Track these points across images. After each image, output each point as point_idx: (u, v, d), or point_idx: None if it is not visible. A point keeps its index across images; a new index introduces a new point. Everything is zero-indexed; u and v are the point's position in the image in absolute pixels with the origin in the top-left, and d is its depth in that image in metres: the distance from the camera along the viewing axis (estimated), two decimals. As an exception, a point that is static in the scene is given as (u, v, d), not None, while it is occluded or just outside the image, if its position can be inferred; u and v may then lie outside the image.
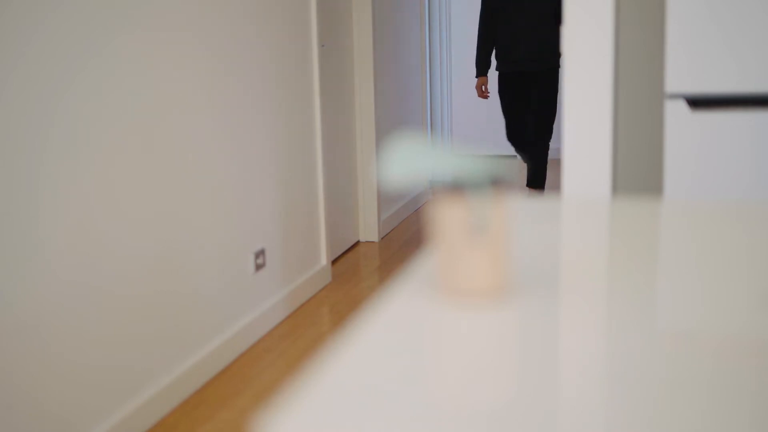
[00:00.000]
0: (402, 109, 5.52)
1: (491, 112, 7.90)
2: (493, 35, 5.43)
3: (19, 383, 2.09)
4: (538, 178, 5.64)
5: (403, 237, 5.05)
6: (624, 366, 0.72)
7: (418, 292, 0.96)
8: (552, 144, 7.79)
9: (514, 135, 5.56)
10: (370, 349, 0.79)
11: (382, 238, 5.00)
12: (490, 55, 5.51)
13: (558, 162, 7.48)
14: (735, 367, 0.72)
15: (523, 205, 1.42)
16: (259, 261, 3.41)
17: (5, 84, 2.03)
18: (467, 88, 7.91)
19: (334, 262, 4.50)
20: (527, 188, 5.75)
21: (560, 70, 5.06)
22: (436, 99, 6.63)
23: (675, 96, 2.21)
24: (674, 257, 1.08)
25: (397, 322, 0.86)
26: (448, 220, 0.90)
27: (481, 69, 5.54)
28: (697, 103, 2.20)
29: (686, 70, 2.19)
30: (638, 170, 2.55)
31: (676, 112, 2.21)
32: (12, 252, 2.06)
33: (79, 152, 2.29)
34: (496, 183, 0.91)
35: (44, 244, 2.17)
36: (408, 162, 0.92)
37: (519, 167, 6.89)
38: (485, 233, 0.90)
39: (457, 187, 0.92)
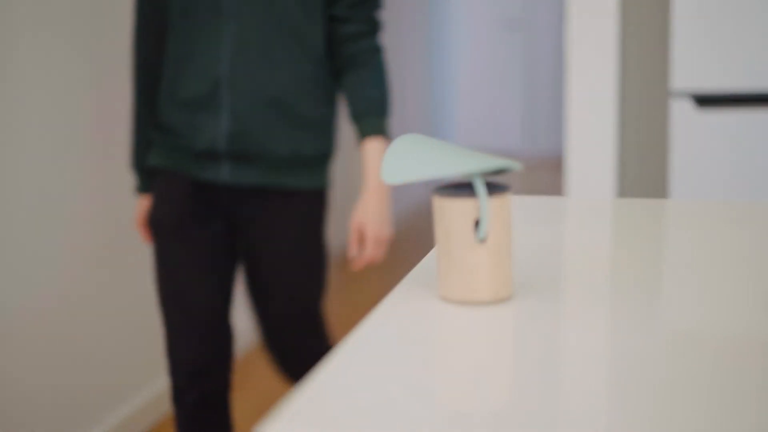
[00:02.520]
0: (404, 106, 5.52)
1: (495, 105, 7.91)
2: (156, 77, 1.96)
3: (16, 384, 2.09)
4: None
5: (404, 238, 5.05)
6: (625, 366, 0.72)
7: (419, 293, 0.95)
8: (553, 144, 7.77)
9: (177, 359, 1.87)
10: (370, 350, 0.78)
11: (384, 239, 5.00)
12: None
13: (558, 162, 7.48)
14: (735, 367, 0.71)
15: (525, 204, 1.41)
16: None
17: (8, 85, 2.03)
18: (471, 81, 7.92)
19: (334, 263, 4.50)
20: None
21: (326, 191, 1.94)
22: (440, 93, 6.63)
23: (680, 95, 2.19)
24: (677, 257, 1.07)
25: (397, 324, 0.85)
26: (450, 220, 0.89)
27: (140, 172, 1.99)
28: (704, 101, 2.18)
29: (692, 68, 2.18)
30: (643, 170, 2.54)
31: (682, 111, 2.20)
32: (10, 253, 2.06)
33: (76, 153, 2.29)
34: (499, 183, 0.90)
35: (41, 244, 2.16)
36: (408, 161, 0.90)
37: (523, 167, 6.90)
38: (487, 233, 0.89)
39: (458, 187, 0.90)
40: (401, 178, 0.89)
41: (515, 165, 0.89)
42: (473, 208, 0.88)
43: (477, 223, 0.89)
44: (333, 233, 4.49)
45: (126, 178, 2.51)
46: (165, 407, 2.72)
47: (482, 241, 0.88)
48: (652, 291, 0.94)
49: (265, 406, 2.78)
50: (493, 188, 0.89)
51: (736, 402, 0.66)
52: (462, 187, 0.90)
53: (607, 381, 0.70)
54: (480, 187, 0.87)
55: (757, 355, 0.75)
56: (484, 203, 0.87)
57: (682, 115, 2.19)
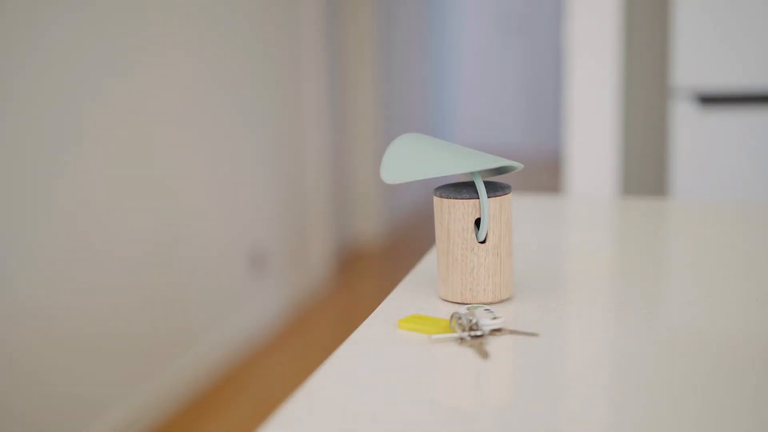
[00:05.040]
0: (405, 103, 5.52)
1: (496, 104, 7.90)
2: None
3: (12, 384, 2.08)
4: None
5: (405, 238, 5.05)
6: (626, 366, 0.71)
7: (419, 293, 0.95)
8: (553, 143, 7.79)
9: None
10: (370, 351, 0.78)
11: (383, 239, 5.00)
12: None
13: (556, 163, 7.47)
14: (735, 366, 0.71)
15: (525, 203, 1.40)
16: (258, 263, 3.40)
17: (10, 87, 2.02)
18: (472, 79, 7.91)
19: (334, 263, 4.49)
20: None
21: None
22: (441, 92, 6.62)
23: (683, 93, 2.19)
24: (677, 257, 1.07)
25: (398, 324, 0.85)
26: (450, 220, 0.89)
27: None
28: (706, 100, 2.18)
29: (694, 66, 2.17)
30: (644, 169, 2.53)
31: (684, 110, 2.19)
32: (8, 251, 2.05)
33: (74, 152, 2.28)
34: (500, 182, 0.89)
35: (38, 244, 2.16)
36: (408, 161, 0.90)
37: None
38: (487, 233, 0.88)
39: (459, 187, 0.90)
40: (401, 177, 0.88)
41: (516, 164, 0.88)
42: (474, 208, 0.87)
43: (477, 223, 0.88)
44: (334, 232, 4.49)
45: (132, 174, 2.52)
46: (159, 411, 2.72)
47: (483, 241, 0.88)
48: (652, 291, 0.94)
49: (266, 409, 2.78)
50: (495, 187, 0.89)
51: (736, 402, 0.65)
52: (462, 187, 0.89)
53: (607, 381, 0.70)
54: (481, 187, 0.87)
55: (757, 355, 0.74)
56: (485, 203, 0.87)
57: (684, 114, 2.19)
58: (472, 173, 0.88)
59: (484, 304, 0.89)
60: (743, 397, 0.66)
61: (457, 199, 0.87)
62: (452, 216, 0.88)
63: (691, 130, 2.19)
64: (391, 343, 0.80)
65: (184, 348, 2.85)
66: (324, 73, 4.24)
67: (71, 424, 2.28)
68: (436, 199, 0.89)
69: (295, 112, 3.74)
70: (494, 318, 0.81)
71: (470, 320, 0.79)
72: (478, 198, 0.87)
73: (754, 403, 0.65)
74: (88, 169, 2.34)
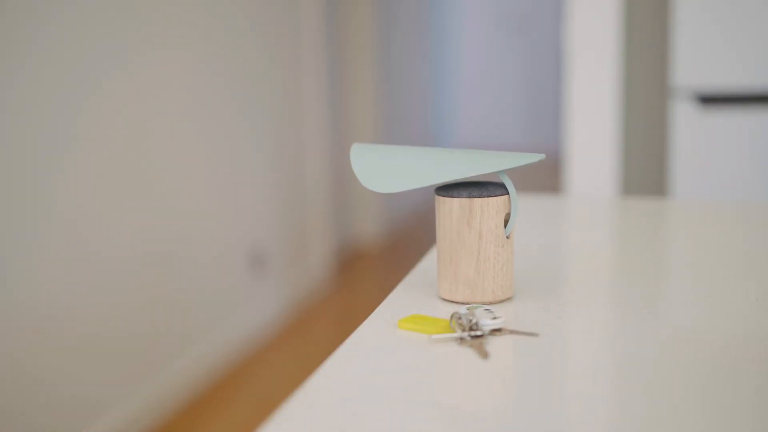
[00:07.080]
0: (405, 103, 5.52)
1: (496, 104, 7.90)
2: None
3: (12, 384, 2.08)
4: None
5: (405, 238, 5.04)
6: (626, 366, 0.71)
7: (419, 294, 0.95)
8: (554, 142, 7.78)
9: None
10: (371, 350, 0.78)
11: (383, 239, 5.00)
12: None
13: (556, 163, 7.47)
14: (735, 367, 0.71)
15: (526, 202, 1.40)
16: (258, 263, 3.39)
17: (8, 86, 2.02)
18: (472, 79, 7.91)
19: (334, 263, 4.49)
20: None
21: None
22: (441, 92, 6.62)
23: (683, 93, 2.19)
24: (677, 257, 1.07)
25: (398, 324, 0.85)
26: (482, 220, 0.89)
27: None
28: (706, 100, 2.18)
29: (694, 66, 2.17)
30: (644, 169, 2.53)
31: (684, 110, 2.19)
32: (7, 251, 2.05)
33: (73, 152, 2.28)
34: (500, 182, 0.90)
35: (37, 244, 2.16)
36: (408, 167, 0.90)
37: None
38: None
39: (478, 186, 0.90)
40: (405, 184, 0.88)
41: (538, 155, 0.88)
42: (504, 204, 0.88)
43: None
44: (334, 232, 4.49)
45: (134, 175, 2.51)
46: (158, 412, 2.71)
47: (508, 237, 0.89)
48: (652, 291, 0.93)
49: (266, 409, 2.78)
50: (498, 187, 0.89)
51: (736, 402, 0.65)
52: (480, 186, 0.89)
53: (607, 381, 0.70)
54: (509, 184, 0.88)
55: (757, 355, 0.74)
56: (515, 199, 0.88)
57: (684, 114, 2.19)
58: (499, 171, 0.88)
59: (485, 303, 0.89)
60: (743, 397, 0.66)
61: (491, 197, 0.87)
62: (485, 215, 0.87)
63: (691, 130, 2.19)
64: (391, 343, 0.80)
65: (184, 348, 2.84)
66: (324, 73, 4.24)
67: (71, 424, 2.28)
68: (462, 201, 0.87)
69: (295, 112, 3.74)
70: (494, 318, 0.81)
71: (470, 320, 0.79)
72: (507, 194, 0.88)
73: (754, 403, 0.65)
74: (88, 169, 2.34)
